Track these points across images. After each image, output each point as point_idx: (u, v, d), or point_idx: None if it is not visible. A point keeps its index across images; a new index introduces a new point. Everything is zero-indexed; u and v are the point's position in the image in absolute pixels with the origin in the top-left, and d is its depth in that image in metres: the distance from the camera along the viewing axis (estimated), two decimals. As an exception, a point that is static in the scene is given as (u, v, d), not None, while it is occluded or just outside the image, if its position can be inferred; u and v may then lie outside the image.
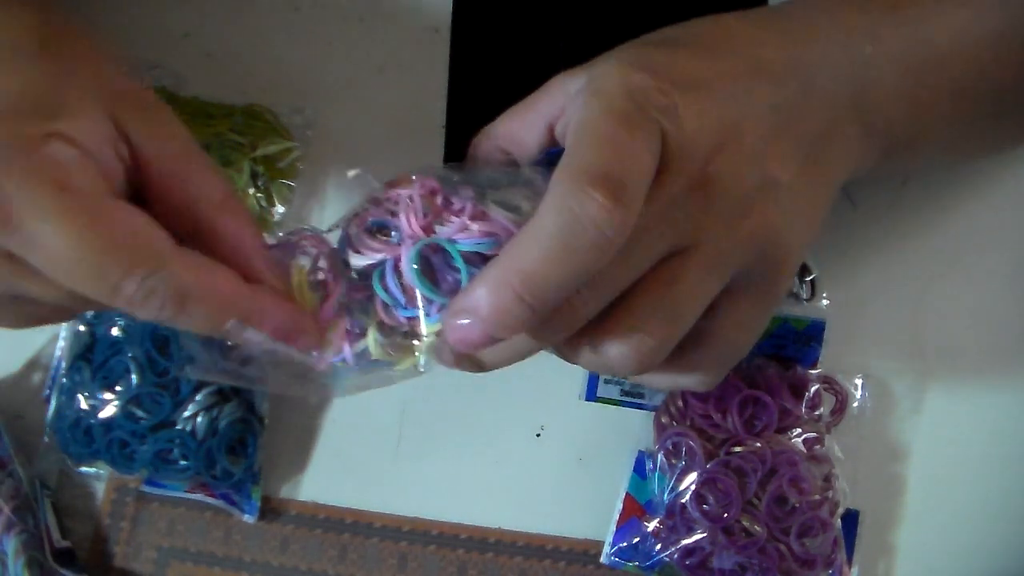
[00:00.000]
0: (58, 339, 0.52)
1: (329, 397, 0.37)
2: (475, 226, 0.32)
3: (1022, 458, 0.49)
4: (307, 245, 0.35)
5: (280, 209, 0.53)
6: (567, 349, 0.35)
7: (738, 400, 0.47)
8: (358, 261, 0.34)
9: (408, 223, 0.33)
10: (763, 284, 0.36)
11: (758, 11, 0.39)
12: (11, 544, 0.47)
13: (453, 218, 0.33)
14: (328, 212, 0.54)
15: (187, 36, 0.55)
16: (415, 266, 0.32)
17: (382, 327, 0.34)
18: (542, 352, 0.36)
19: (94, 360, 0.49)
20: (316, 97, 0.54)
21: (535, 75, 0.57)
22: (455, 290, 0.33)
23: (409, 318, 0.33)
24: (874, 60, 0.38)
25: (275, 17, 0.55)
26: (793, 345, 0.49)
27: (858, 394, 0.49)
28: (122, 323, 0.49)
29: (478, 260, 0.33)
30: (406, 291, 0.33)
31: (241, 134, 0.51)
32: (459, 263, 0.32)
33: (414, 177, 0.34)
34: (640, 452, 0.49)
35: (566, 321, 0.33)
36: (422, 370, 0.34)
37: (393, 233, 0.34)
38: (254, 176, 0.51)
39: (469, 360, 0.35)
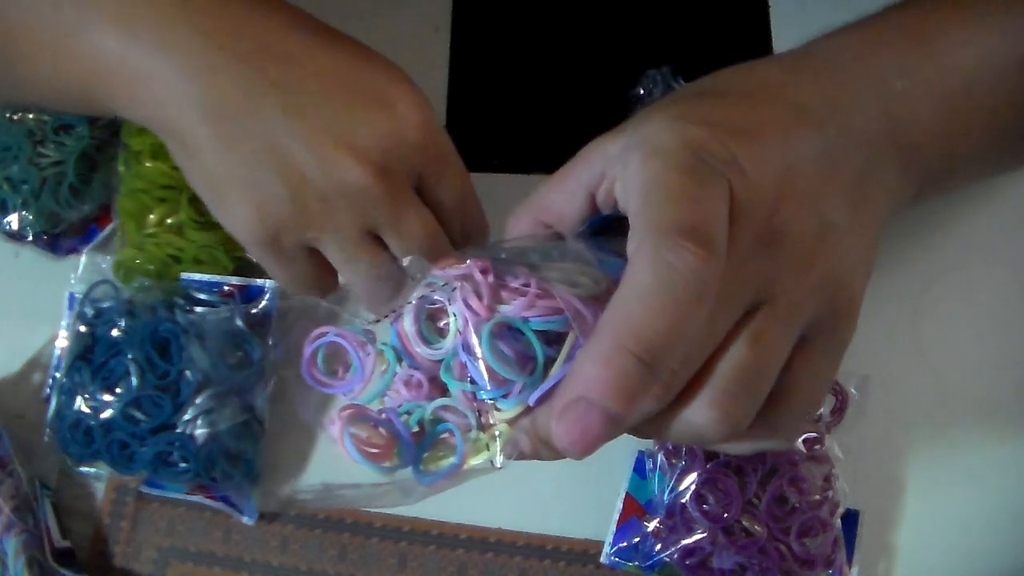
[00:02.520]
0: (58, 339, 0.52)
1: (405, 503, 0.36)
2: (542, 303, 0.31)
3: (1022, 458, 0.49)
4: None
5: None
6: (652, 426, 0.34)
7: (738, 400, 0.47)
8: (425, 350, 0.32)
9: (472, 304, 0.31)
10: (832, 332, 0.35)
11: (784, 56, 0.39)
12: (11, 544, 0.47)
13: (516, 297, 0.31)
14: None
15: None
16: (488, 347, 0.30)
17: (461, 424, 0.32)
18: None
19: (94, 361, 0.48)
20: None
21: (535, 74, 0.57)
22: (533, 370, 0.31)
23: (480, 408, 0.31)
24: (906, 95, 0.38)
25: (275, 17, 0.55)
26: (793, 345, 0.49)
27: (858, 394, 0.49)
28: (122, 324, 0.49)
29: (544, 341, 0.31)
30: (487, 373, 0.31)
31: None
32: (534, 341, 0.31)
33: (468, 260, 0.32)
34: (640, 452, 0.49)
35: (663, 391, 0.31)
36: (499, 466, 0.32)
37: (452, 318, 0.31)
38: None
39: (552, 449, 0.32)
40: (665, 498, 0.47)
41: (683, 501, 0.46)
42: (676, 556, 0.46)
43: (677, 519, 0.46)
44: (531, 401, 0.31)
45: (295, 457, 0.51)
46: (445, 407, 0.32)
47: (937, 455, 0.50)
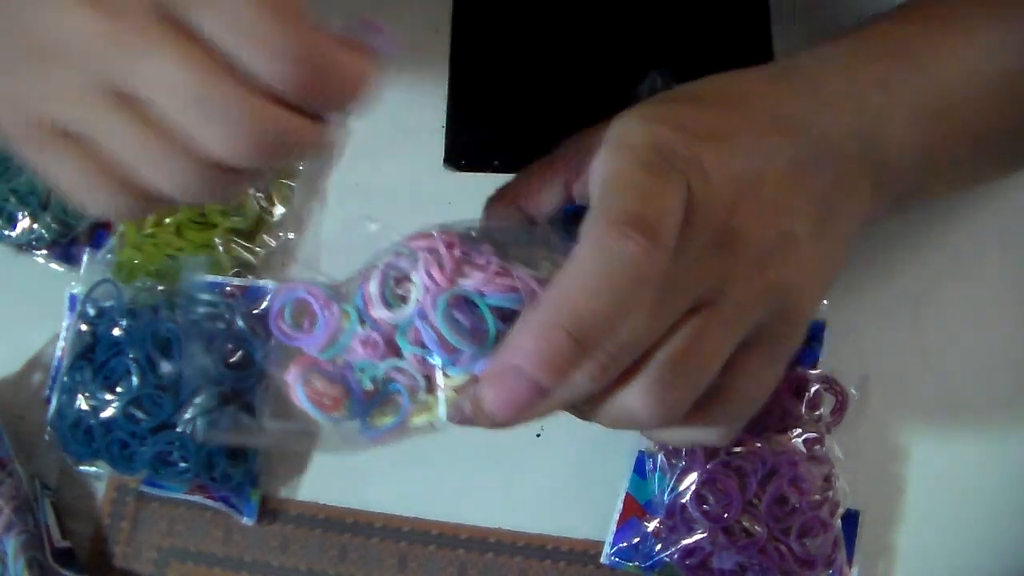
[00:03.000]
0: (59, 339, 0.52)
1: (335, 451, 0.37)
2: (499, 280, 0.33)
3: (1022, 458, 0.49)
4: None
5: (280, 209, 0.53)
6: (588, 407, 0.35)
7: (738, 400, 0.47)
8: (385, 314, 0.34)
9: (433, 274, 0.33)
10: (778, 339, 0.36)
11: (770, 66, 0.39)
12: (11, 544, 0.47)
13: (476, 272, 0.33)
14: (328, 212, 0.54)
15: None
16: (443, 316, 0.32)
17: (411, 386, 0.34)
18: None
19: (95, 360, 0.49)
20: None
21: (535, 75, 0.57)
22: (483, 343, 0.32)
23: (429, 373, 0.33)
24: (885, 110, 0.38)
25: (275, 17, 0.55)
26: (793, 345, 0.49)
27: (858, 394, 0.49)
28: (124, 324, 0.49)
29: (500, 316, 0.33)
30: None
31: (241, 134, 0.51)
32: (487, 314, 0.32)
33: (434, 233, 0.34)
34: (640, 452, 0.49)
35: (599, 372, 0.32)
36: (438, 428, 0.34)
37: (414, 286, 0.33)
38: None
39: (487, 415, 0.34)
40: (665, 498, 0.47)
41: (683, 501, 0.46)
42: (676, 556, 0.46)
43: (677, 519, 0.46)
44: (477, 371, 0.33)
45: (295, 457, 0.51)
46: (398, 368, 0.33)
47: (937, 455, 0.50)
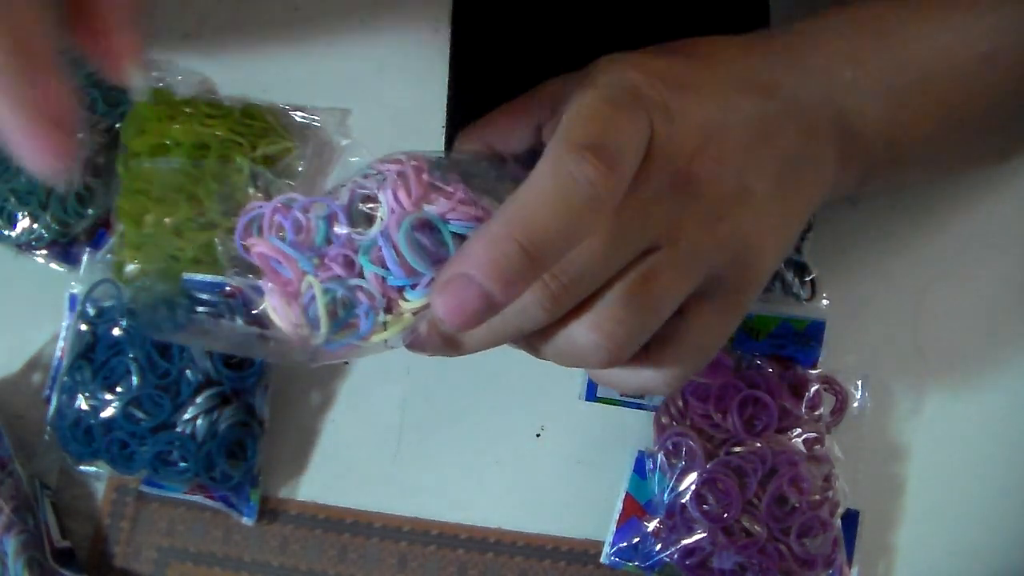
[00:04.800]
0: (59, 339, 0.52)
1: (285, 363, 0.37)
2: (464, 209, 0.33)
3: (1022, 458, 0.49)
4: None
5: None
6: (538, 339, 0.36)
7: (738, 400, 0.47)
8: (351, 232, 0.34)
9: (400, 197, 0.33)
10: (732, 292, 0.37)
11: (748, 35, 0.40)
12: (11, 544, 0.47)
13: (442, 199, 0.33)
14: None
15: (187, 37, 0.55)
16: (405, 237, 0.33)
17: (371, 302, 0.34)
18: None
19: (95, 360, 0.49)
20: (316, 97, 0.54)
21: (535, 74, 0.57)
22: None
23: (390, 294, 0.33)
24: (855, 85, 0.39)
25: (275, 17, 0.55)
26: (793, 345, 0.49)
27: (858, 394, 0.49)
28: (124, 323, 0.49)
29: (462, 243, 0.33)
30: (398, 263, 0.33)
31: (240, 134, 0.51)
32: (448, 240, 0.33)
33: (403, 157, 0.34)
34: (640, 452, 0.49)
35: (550, 302, 0.33)
36: (391, 346, 0.34)
37: (380, 207, 0.34)
38: (254, 176, 0.51)
39: (445, 339, 0.35)
40: (665, 498, 0.47)
41: (683, 501, 0.46)
42: (676, 556, 0.46)
43: (677, 519, 0.46)
44: (424, 288, 0.33)
45: (295, 457, 0.51)
46: (359, 288, 0.33)
47: (937, 455, 0.50)
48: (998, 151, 0.47)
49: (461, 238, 0.33)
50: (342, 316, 0.34)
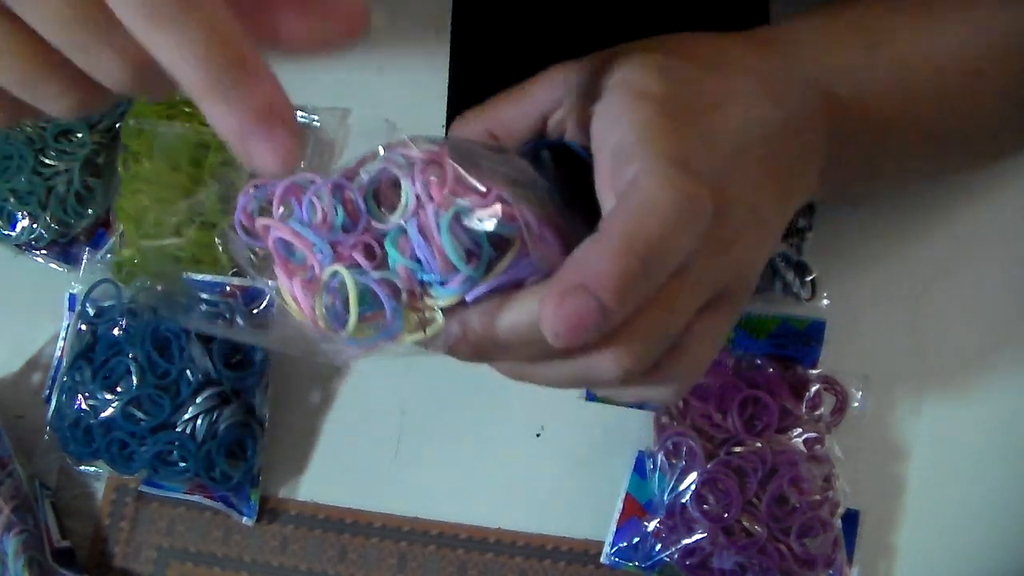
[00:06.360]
0: (58, 339, 0.52)
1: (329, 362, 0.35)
2: (500, 207, 0.31)
3: (1022, 458, 0.49)
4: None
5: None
6: (549, 365, 0.35)
7: (738, 400, 0.47)
8: (370, 219, 0.31)
9: (434, 189, 0.31)
10: (732, 302, 0.37)
11: (746, 35, 0.40)
12: (11, 544, 0.47)
13: (470, 194, 0.31)
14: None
15: (187, 36, 0.55)
16: (448, 232, 0.30)
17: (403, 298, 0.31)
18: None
19: (95, 360, 0.49)
20: (316, 97, 0.54)
21: (535, 74, 0.57)
22: (476, 267, 0.31)
23: (414, 288, 0.31)
24: (853, 86, 0.39)
25: (275, 17, 0.55)
26: (793, 345, 0.49)
27: (858, 394, 0.49)
28: (123, 323, 0.49)
29: (491, 242, 0.31)
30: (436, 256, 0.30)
31: (241, 134, 0.51)
32: (484, 240, 0.31)
33: (437, 147, 0.32)
34: (640, 452, 0.49)
35: (631, 368, 0.33)
36: (427, 348, 0.32)
37: (404, 194, 0.31)
38: (253, 176, 0.51)
39: (477, 350, 0.33)
40: (665, 498, 0.47)
41: (683, 501, 0.46)
42: (676, 556, 0.46)
43: (677, 519, 0.46)
44: (469, 297, 0.31)
45: (295, 457, 0.51)
46: (384, 281, 0.31)
47: (937, 455, 0.50)
48: (980, 164, 0.48)
49: (491, 237, 0.31)
50: (364, 311, 0.31)
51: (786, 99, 0.37)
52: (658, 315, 0.33)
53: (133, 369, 0.47)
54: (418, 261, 0.31)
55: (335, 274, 0.31)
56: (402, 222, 0.31)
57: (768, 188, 0.36)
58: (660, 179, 0.31)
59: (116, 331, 0.49)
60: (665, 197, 0.30)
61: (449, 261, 0.30)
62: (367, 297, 0.31)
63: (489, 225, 0.31)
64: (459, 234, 0.31)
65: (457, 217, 0.31)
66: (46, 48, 0.27)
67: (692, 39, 0.38)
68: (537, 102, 0.38)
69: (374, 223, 0.31)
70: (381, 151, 0.32)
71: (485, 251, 0.31)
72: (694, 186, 0.31)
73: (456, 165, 0.31)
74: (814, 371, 0.49)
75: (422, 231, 0.31)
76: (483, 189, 0.31)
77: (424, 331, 0.31)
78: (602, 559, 0.48)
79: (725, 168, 0.34)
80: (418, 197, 0.31)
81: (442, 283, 0.31)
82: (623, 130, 0.33)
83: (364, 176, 0.32)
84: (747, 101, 0.36)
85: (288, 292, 0.32)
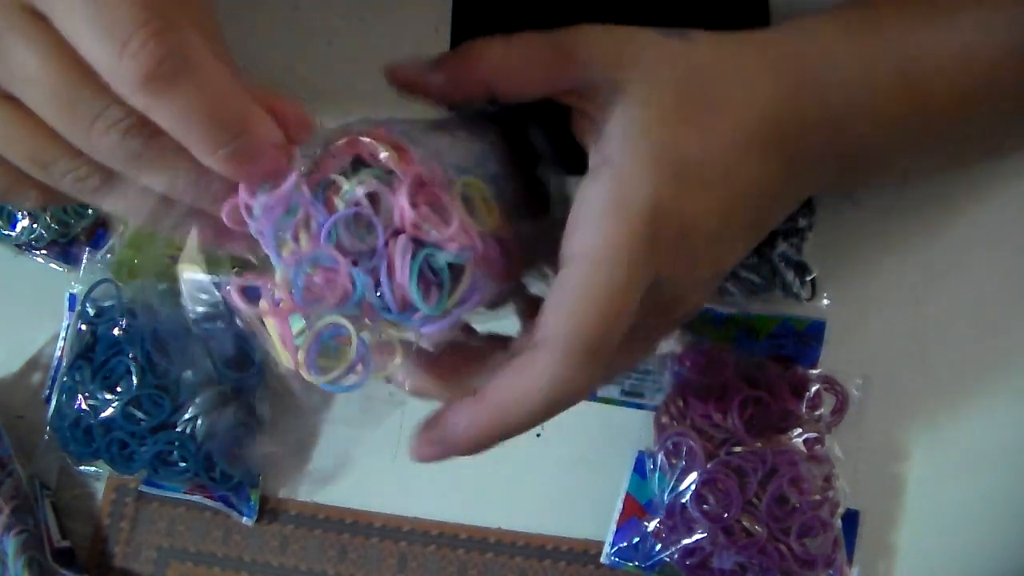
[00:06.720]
0: (58, 339, 0.52)
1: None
2: (463, 237, 0.32)
3: (1022, 458, 0.49)
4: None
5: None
6: None
7: (738, 400, 0.47)
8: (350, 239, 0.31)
9: (406, 217, 0.31)
10: (682, 318, 0.39)
11: (745, 36, 0.39)
12: (11, 544, 0.47)
13: (440, 226, 0.31)
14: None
15: (187, 36, 0.55)
16: (414, 276, 0.31)
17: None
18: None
19: (95, 360, 0.49)
20: (316, 97, 0.54)
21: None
22: (436, 302, 0.32)
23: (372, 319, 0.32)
24: (855, 94, 0.39)
25: (275, 16, 0.55)
26: (793, 345, 0.49)
27: (858, 394, 0.49)
28: (123, 323, 0.49)
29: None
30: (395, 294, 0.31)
31: (241, 134, 0.51)
32: (445, 277, 0.32)
33: (417, 162, 0.32)
34: (640, 452, 0.49)
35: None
36: (391, 383, 0.35)
37: (381, 214, 0.31)
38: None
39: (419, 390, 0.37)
40: (665, 498, 0.47)
41: (683, 501, 0.46)
42: (676, 556, 0.46)
43: (677, 519, 0.46)
44: (424, 331, 0.32)
45: (296, 454, 0.51)
46: (356, 318, 0.31)
47: (937, 455, 0.50)
48: (996, 147, 0.48)
49: (454, 268, 0.32)
50: (322, 340, 0.32)
51: (790, 149, 0.37)
52: (621, 348, 0.35)
53: (133, 369, 0.47)
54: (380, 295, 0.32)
55: (335, 326, 0.31)
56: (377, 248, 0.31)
57: (739, 245, 0.38)
58: (547, 365, 0.32)
59: (116, 331, 0.49)
60: (540, 382, 0.32)
61: (409, 301, 0.32)
62: (323, 337, 0.32)
63: (449, 257, 0.32)
64: (424, 273, 0.32)
65: (425, 258, 0.32)
66: (49, 131, 0.28)
67: (709, 69, 0.37)
68: (561, 74, 0.37)
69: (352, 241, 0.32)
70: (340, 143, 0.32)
71: (446, 290, 0.32)
72: (583, 375, 0.32)
73: (417, 180, 0.32)
74: (814, 371, 0.49)
75: (390, 268, 0.31)
76: (454, 222, 0.32)
77: (385, 373, 0.34)
78: (602, 559, 0.48)
79: (695, 212, 0.34)
80: (396, 227, 0.31)
81: (404, 320, 0.32)
82: (597, 237, 0.33)
83: (345, 192, 0.31)
84: (736, 154, 0.36)
85: (279, 340, 0.32)
